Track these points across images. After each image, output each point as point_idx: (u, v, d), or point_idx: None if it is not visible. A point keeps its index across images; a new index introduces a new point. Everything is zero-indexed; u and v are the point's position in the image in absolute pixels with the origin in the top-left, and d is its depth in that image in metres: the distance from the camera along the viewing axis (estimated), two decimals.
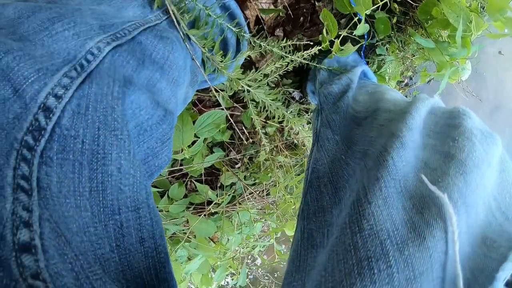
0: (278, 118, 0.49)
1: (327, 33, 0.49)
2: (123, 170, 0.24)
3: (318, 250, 0.30)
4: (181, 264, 0.77)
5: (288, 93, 0.72)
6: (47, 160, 0.21)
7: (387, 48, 0.65)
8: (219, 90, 0.52)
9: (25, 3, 0.27)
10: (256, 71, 0.43)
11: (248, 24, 0.54)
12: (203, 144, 0.64)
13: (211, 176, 0.82)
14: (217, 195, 0.77)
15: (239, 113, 0.70)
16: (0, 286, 0.16)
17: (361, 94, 0.47)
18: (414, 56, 0.69)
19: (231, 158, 0.79)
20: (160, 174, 0.67)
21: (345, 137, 0.41)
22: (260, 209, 0.95)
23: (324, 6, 0.59)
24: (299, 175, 0.86)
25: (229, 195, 0.79)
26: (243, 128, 0.74)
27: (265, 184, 0.88)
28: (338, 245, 0.26)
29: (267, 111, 0.46)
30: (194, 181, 0.75)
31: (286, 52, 0.44)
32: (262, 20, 0.57)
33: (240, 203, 0.85)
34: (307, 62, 0.49)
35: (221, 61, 0.38)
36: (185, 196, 0.74)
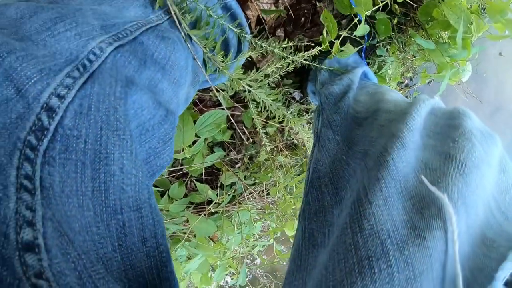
0: (279, 118, 0.49)
1: (327, 34, 0.49)
2: (125, 170, 0.24)
3: (319, 249, 0.30)
4: (181, 264, 0.77)
5: (288, 93, 0.72)
6: (50, 160, 0.21)
7: (387, 49, 0.66)
8: (220, 90, 0.52)
9: (27, 3, 0.27)
10: (257, 71, 0.43)
11: (249, 25, 0.54)
12: (204, 144, 0.64)
13: (211, 176, 0.82)
14: (217, 195, 0.77)
15: (239, 113, 0.70)
16: (4, 285, 0.16)
17: (361, 95, 0.48)
18: (414, 57, 0.69)
19: (231, 158, 0.79)
20: (161, 174, 0.68)
21: (345, 137, 0.41)
22: (260, 209, 0.95)
23: (325, 6, 0.59)
24: (299, 175, 0.87)
25: (229, 194, 0.79)
26: (244, 128, 0.74)
27: (265, 184, 0.89)
28: (339, 245, 0.26)
29: (267, 111, 0.46)
30: (194, 181, 0.75)
31: (287, 53, 0.44)
32: (263, 21, 0.57)
33: (240, 203, 0.85)
34: (308, 62, 0.49)
35: (222, 62, 0.38)
36: (185, 195, 0.74)
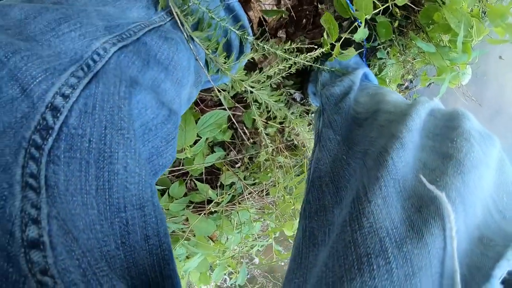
0: (281, 119, 0.50)
1: (328, 36, 0.50)
2: (129, 169, 0.24)
3: (319, 248, 0.31)
4: (180, 262, 0.77)
5: (289, 94, 0.72)
6: (54, 159, 0.21)
7: (388, 52, 0.66)
8: (221, 90, 0.52)
9: (31, 4, 0.27)
10: (259, 72, 0.43)
11: (251, 26, 0.54)
12: (205, 144, 0.64)
13: (211, 175, 0.82)
14: (217, 194, 0.78)
15: (240, 113, 0.70)
16: (10, 282, 0.16)
17: (362, 96, 0.48)
18: (415, 59, 0.69)
19: (231, 158, 0.79)
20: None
21: (346, 137, 0.42)
22: (259, 209, 0.95)
23: (327, 8, 0.59)
24: (298, 175, 0.87)
25: (229, 194, 0.80)
26: (244, 128, 0.74)
27: (265, 184, 0.89)
28: (339, 242, 0.27)
29: (269, 112, 0.46)
30: (194, 180, 0.75)
31: (289, 54, 0.45)
32: (264, 22, 0.57)
33: (239, 203, 0.85)
34: (310, 64, 0.49)
35: (225, 63, 0.38)
36: (185, 194, 0.74)
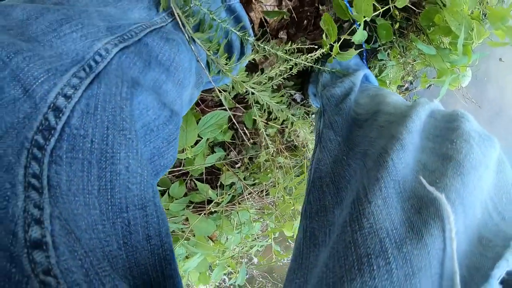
0: (283, 121, 0.50)
1: (327, 37, 0.50)
2: (131, 169, 0.24)
3: (320, 248, 0.31)
4: (180, 262, 0.77)
5: (289, 95, 0.72)
6: (57, 159, 0.21)
7: (388, 53, 0.66)
8: (222, 91, 0.52)
9: (33, 5, 0.27)
10: (261, 73, 0.43)
11: (252, 27, 0.54)
12: (205, 144, 0.64)
13: (211, 175, 0.82)
14: (217, 195, 0.78)
15: (240, 114, 0.70)
16: (12, 282, 0.16)
17: (362, 97, 0.48)
18: (415, 61, 0.69)
19: (231, 158, 0.79)
20: None
21: (346, 138, 0.42)
22: (259, 209, 0.96)
23: (328, 10, 0.59)
24: (298, 176, 0.87)
25: (229, 194, 0.80)
26: (244, 128, 0.74)
27: (265, 184, 0.89)
28: (339, 243, 0.27)
29: (270, 113, 0.47)
30: (194, 180, 0.76)
31: (290, 55, 0.45)
32: (266, 23, 0.57)
33: (239, 203, 0.85)
34: (311, 65, 0.49)
35: (226, 64, 0.38)
36: (185, 194, 0.74)
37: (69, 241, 0.19)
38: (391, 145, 0.30)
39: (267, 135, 0.54)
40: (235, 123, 0.58)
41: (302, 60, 0.46)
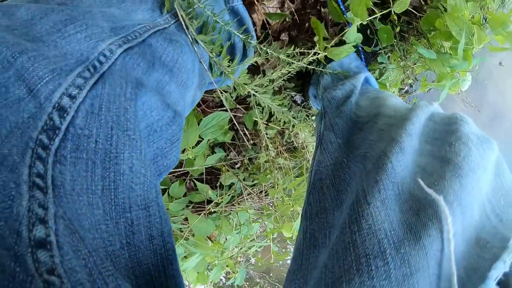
0: (284, 123, 0.50)
1: (315, 35, 0.50)
2: (134, 169, 0.25)
3: (320, 250, 0.31)
4: (179, 261, 0.77)
5: (290, 96, 0.73)
6: (61, 159, 0.21)
7: (389, 57, 0.66)
8: (223, 92, 0.53)
9: (37, 5, 0.27)
10: (263, 75, 0.44)
11: (255, 29, 0.54)
12: (206, 144, 0.64)
13: (211, 175, 0.82)
14: (216, 195, 0.78)
15: (241, 115, 0.71)
16: (17, 281, 0.16)
17: (363, 100, 0.48)
18: (415, 64, 0.70)
19: (231, 159, 0.79)
20: None
21: (347, 140, 0.42)
22: (258, 210, 0.96)
23: (329, 12, 0.60)
24: (297, 177, 0.87)
25: (228, 195, 0.80)
26: (245, 129, 0.74)
27: (264, 185, 0.89)
28: (338, 244, 0.27)
29: (271, 114, 0.47)
30: (194, 180, 0.76)
31: (291, 58, 0.45)
32: (268, 25, 0.58)
33: (239, 203, 0.85)
34: (312, 67, 0.50)
35: (228, 66, 0.38)
36: (185, 194, 0.74)
37: (73, 241, 0.19)
38: (390, 148, 0.30)
39: (267, 136, 0.54)
40: (236, 124, 0.58)
41: (304, 62, 0.46)
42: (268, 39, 0.58)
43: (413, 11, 0.56)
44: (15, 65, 0.21)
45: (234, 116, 0.70)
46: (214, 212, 0.81)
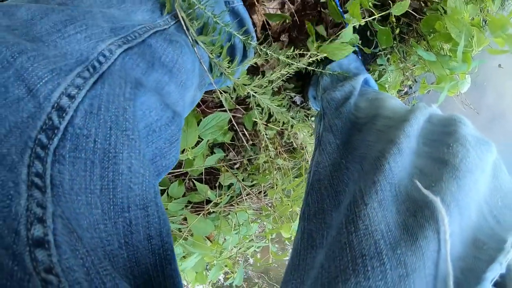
0: (283, 124, 0.50)
1: (309, 36, 0.51)
2: (133, 169, 0.25)
3: (317, 250, 0.31)
4: (177, 261, 0.77)
5: (289, 97, 0.73)
6: (60, 158, 0.21)
7: (388, 59, 0.66)
8: (222, 92, 0.53)
9: (37, 5, 0.27)
10: (262, 76, 0.44)
11: (255, 29, 0.55)
12: (205, 145, 0.64)
13: (210, 176, 0.82)
14: (215, 195, 0.78)
15: (240, 115, 0.71)
16: (15, 280, 0.16)
17: (362, 101, 0.48)
18: (414, 66, 0.70)
19: (230, 159, 0.79)
20: None
21: (345, 142, 0.42)
22: (257, 210, 0.96)
23: (330, 14, 0.60)
24: (296, 177, 0.87)
25: (227, 195, 0.80)
26: (244, 130, 0.74)
27: (263, 185, 0.89)
28: (335, 244, 0.27)
29: (270, 115, 0.47)
30: (193, 180, 0.76)
31: (291, 59, 0.45)
32: (268, 25, 0.58)
33: (238, 204, 0.85)
34: (312, 68, 0.50)
35: (228, 67, 0.38)
36: (184, 194, 0.74)
37: (71, 240, 0.19)
38: (388, 149, 0.30)
39: (267, 137, 0.54)
40: (235, 124, 0.58)
41: (303, 63, 0.46)
42: (268, 40, 0.58)
43: (413, 13, 0.56)
44: (15, 65, 0.22)
45: (234, 116, 0.70)
46: (213, 212, 0.82)
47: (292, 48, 0.45)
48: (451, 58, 0.50)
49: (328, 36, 0.57)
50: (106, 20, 0.30)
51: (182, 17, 0.35)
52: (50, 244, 0.18)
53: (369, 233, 0.25)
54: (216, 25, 0.38)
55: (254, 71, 0.61)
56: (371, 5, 0.49)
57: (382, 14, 0.51)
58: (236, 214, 0.85)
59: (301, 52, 0.47)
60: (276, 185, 0.83)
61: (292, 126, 0.53)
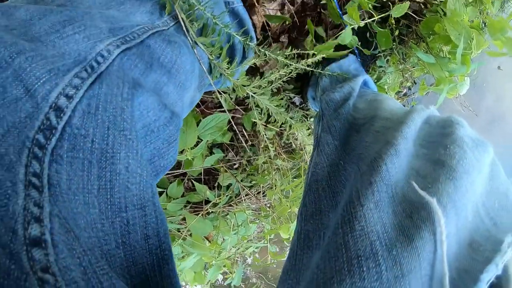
0: (282, 124, 0.50)
1: (308, 35, 0.51)
2: (130, 169, 0.25)
3: (313, 251, 0.31)
4: (176, 261, 0.77)
5: (288, 98, 0.73)
6: (57, 158, 0.21)
7: (387, 60, 0.67)
8: (222, 93, 0.53)
9: (36, 6, 0.27)
10: (260, 77, 0.44)
11: (254, 30, 0.55)
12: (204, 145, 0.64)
13: (209, 176, 0.83)
14: (214, 195, 0.78)
15: (240, 116, 0.71)
16: (12, 279, 0.16)
17: (361, 102, 0.49)
18: (413, 67, 0.70)
19: (229, 159, 0.79)
20: None
21: (344, 143, 0.42)
22: (256, 211, 0.96)
23: (329, 15, 0.60)
24: (295, 177, 0.87)
25: (226, 195, 0.80)
26: (243, 130, 0.74)
27: (262, 186, 0.89)
28: (330, 244, 0.27)
29: (269, 115, 0.47)
30: (192, 180, 0.76)
31: (290, 60, 0.45)
32: (267, 26, 0.58)
33: (236, 204, 0.85)
34: (311, 69, 0.50)
35: (227, 68, 0.38)
36: (183, 194, 0.74)
37: (68, 239, 0.19)
38: (385, 150, 0.31)
39: (266, 138, 0.54)
40: (234, 124, 0.58)
41: (302, 64, 0.47)
42: (268, 40, 0.58)
43: (413, 14, 0.56)
44: (13, 65, 0.22)
45: (233, 117, 0.70)
46: (212, 212, 0.82)
47: (290, 48, 0.46)
48: (450, 60, 0.50)
49: (327, 37, 0.58)
50: (105, 20, 0.30)
51: (182, 18, 0.35)
52: (47, 244, 0.18)
53: (365, 234, 0.25)
54: (216, 26, 0.38)
55: (253, 71, 0.62)
56: (370, 7, 0.50)
57: (381, 16, 0.51)
58: (235, 214, 0.85)
59: (299, 52, 0.47)
60: (275, 185, 0.83)
61: (290, 127, 0.53)
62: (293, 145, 0.85)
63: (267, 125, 0.69)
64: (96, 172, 0.23)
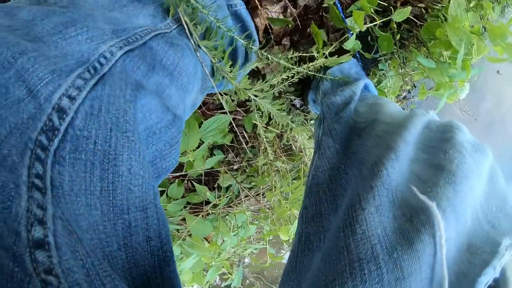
0: (283, 127, 0.51)
1: (315, 43, 0.51)
2: (133, 171, 0.25)
3: (314, 253, 0.32)
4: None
5: (289, 100, 0.73)
6: (60, 160, 0.21)
7: (388, 64, 0.67)
8: (223, 94, 0.53)
9: (39, 7, 0.27)
10: (262, 80, 0.44)
11: (257, 33, 0.55)
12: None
13: (209, 177, 0.83)
14: (214, 197, 0.78)
15: (240, 117, 0.71)
16: (15, 281, 0.16)
17: (362, 106, 0.49)
18: (414, 71, 0.70)
19: (229, 161, 0.80)
20: None
21: (344, 146, 0.43)
22: (255, 212, 0.96)
23: (331, 18, 0.60)
24: (295, 179, 0.88)
25: (226, 197, 0.80)
26: (244, 132, 0.75)
27: (262, 187, 0.89)
28: (332, 247, 0.28)
29: (270, 118, 0.47)
30: (192, 181, 0.76)
31: (292, 64, 0.45)
32: (270, 29, 0.58)
33: (236, 205, 0.85)
34: (313, 73, 0.50)
35: (230, 71, 0.39)
36: (183, 195, 0.74)
37: (70, 241, 0.19)
38: (386, 155, 0.31)
39: (266, 140, 0.54)
40: (235, 126, 0.58)
41: (304, 68, 0.47)
42: (270, 43, 0.58)
43: (414, 19, 0.57)
44: (16, 65, 0.21)
45: (234, 118, 0.71)
46: (212, 213, 0.82)
47: (292, 51, 0.46)
48: (450, 66, 0.50)
49: (329, 41, 0.58)
50: (108, 22, 0.30)
51: (186, 21, 0.35)
52: (50, 246, 0.18)
53: (366, 238, 0.26)
54: (219, 30, 0.38)
55: (255, 74, 0.62)
56: (372, 11, 0.50)
57: (383, 20, 0.51)
58: (234, 215, 0.85)
59: (301, 54, 0.47)
60: (275, 187, 0.83)
61: (291, 129, 0.53)
62: (293, 147, 0.85)
63: (268, 127, 0.69)
64: (98, 174, 0.23)
